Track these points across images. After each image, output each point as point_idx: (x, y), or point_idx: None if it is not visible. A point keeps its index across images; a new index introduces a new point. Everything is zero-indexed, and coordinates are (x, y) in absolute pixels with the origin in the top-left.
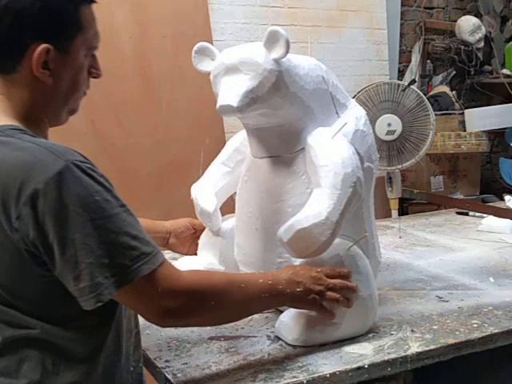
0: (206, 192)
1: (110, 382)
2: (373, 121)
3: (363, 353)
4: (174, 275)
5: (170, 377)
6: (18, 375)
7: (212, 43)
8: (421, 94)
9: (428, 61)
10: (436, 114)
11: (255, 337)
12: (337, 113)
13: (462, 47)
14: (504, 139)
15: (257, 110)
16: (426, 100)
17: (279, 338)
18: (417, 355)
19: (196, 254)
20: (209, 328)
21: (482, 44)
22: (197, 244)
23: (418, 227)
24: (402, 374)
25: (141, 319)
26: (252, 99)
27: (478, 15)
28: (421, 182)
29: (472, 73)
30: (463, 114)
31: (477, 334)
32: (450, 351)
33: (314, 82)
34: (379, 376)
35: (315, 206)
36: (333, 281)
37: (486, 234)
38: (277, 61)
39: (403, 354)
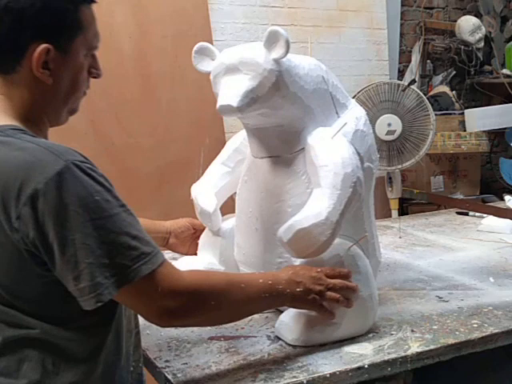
0: (206, 192)
1: (110, 381)
2: (373, 121)
3: (363, 353)
4: (173, 275)
5: (170, 377)
6: (18, 375)
7: (212, 43)
8: (421, 94)
9: (428, 61)
10: (436, 114)
11: (255, 337)
12: (337, 113)
13: (462, 47)
14: (504, 139)
15: (257, 110)
16: (426, 100)
17: (279, 338)
18: (417, 355)
19: (196, 254)
20: (209, 328)
21: (481, 44)
22: (197, 244)
23: (418, 227)
24: (402, 374)
25: (141, 319)
26: (252, 99)
27: (478, 15)
28: (421, 182)
29: (472, 73)
30: (463, 114)
31: (477, 334)
32: (450, 351)
33: (314, 82)
34: (379, 376)
35: (315, 206)
36: (333, 281)
37: (486, 234)
38: (277, 61)
39: (403, 354)
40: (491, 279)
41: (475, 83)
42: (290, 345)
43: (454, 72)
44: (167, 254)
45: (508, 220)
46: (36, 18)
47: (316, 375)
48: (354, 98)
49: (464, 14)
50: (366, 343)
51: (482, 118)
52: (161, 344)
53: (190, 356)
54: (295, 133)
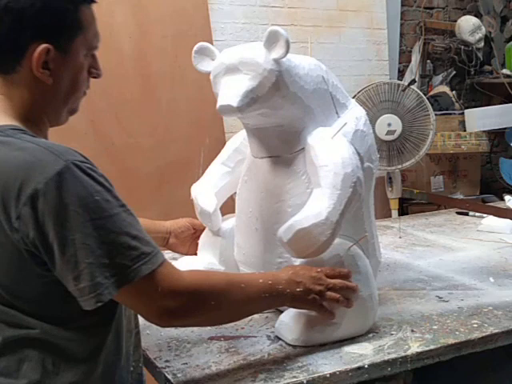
0: (206, 192)
1: (110, 382)
2: (373, 121)
3: (363, 353)
4: (173, 275)
5: (170, 377)
6: (18, 375)
7: (212, 43)
8: (421, 94)
9: (428, 61)
10: (436, 114)
11: (255, 337)
12: (337, 113)
13: (462, 47)
14: (504, 139)
15: (257, 110)
16: (426, 100)
17: (279, 338)
18: (417, 355)
19: (196, 254)
20: (209, 328)
21: (482, 44)
22: (197, 244)
23: (418, 227)
24: (402, 374)
25: (141, 319)
26: (252, 99)
27: (478, 15)
28: (421, 182)
29: (472, 73)
30: (463, 114)
31: (477, 334)
32: (450, 351)
33: (314, 82)
34: (379, 376)
35: (315, 206)
36: (333, 281)
37: (486, 234)
38: (277, 61)
39: (403, 354)
40: (491, 279)
41: (475, 83)
42: (290, 345)
43: (454, 72)
44: (167, 254)
45: (508, 220)
46: (36, 18)
47: (316, 375)
48: (353, 98)
49: (464, 14)
50: (366, 343)
51: (482, 118)
52: (161, 344)
53: (190, 356)
54: (295, 133)
